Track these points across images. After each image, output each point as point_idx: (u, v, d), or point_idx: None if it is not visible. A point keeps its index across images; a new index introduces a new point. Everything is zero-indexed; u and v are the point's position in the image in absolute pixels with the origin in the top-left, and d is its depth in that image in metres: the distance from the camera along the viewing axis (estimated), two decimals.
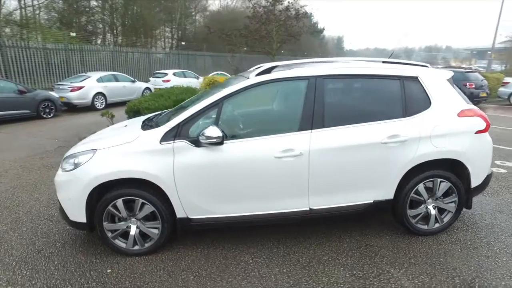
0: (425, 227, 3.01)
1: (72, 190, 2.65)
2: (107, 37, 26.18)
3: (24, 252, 2.89)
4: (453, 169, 2.94)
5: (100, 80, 12.14)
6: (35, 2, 20.58)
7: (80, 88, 11.40)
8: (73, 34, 16.93)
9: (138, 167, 2.58)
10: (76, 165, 2.67)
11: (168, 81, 16.02)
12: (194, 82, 15.71)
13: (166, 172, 2.59)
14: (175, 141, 2.61)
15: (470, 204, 3.03)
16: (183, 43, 26.37)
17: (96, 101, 11.81)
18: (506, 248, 2.86)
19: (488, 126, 2.93)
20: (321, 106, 2.72)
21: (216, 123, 2.62)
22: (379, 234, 3.10)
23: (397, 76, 2.87)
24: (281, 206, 2.78)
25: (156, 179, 2.59)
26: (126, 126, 3.24)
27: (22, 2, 19.85)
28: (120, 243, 2.79)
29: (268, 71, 2.82)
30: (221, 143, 2.51)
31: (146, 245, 2.80)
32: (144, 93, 14.02)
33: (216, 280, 2.49)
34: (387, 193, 2.86)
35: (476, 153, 2.91)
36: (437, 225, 3.01)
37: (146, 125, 2.97)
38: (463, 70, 13.46)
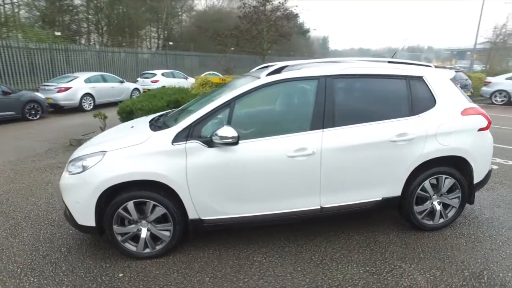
0: (431, 222, 3.09)
1: (81, 193, 2.58)
2: (92, 37, 25.59)
3: (29, 259, 2.80)
4: (456, 165, 3.03)
5: (88, 80, 11.85)
6: (15, 0, 19.89)
7: (68, 89, 11.08)
8: (58, 34, 16.45)
9: (151, 168, 2.54)
10: (85, 168, 2.60)
11: (156, 81, 15.79)
12: (183, 82, 15.51)
13: (179, 173, 2.57)
14: (187, 141, 2.58)
15: (473, 199, 3.14)
16: (170, 43, 26.05)
17: (84, 102, 11.52)
18: (508, 241, 2.98)
19: (489, 123, 3.04)
20: (331, 106, 2.76)
21: (228, 123, 2.61)
22: (386, 231, 3.17)
23: (403, 76, 2.94)
24: (293, 205, 2.79)
25: (169, 180, 2.56)
26: (132, 127, 3.18)
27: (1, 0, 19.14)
28: (131, 246, 2.74)
29: (278, 71, 2.83)
30: (236, 143, 2.50)
31: (157, 247, 2.76)
32: (133, 94, 13.78)
33: (232, 280, 2.48)
34: (395, 190, 2.92)
35: (479, 150, 3.02)
36: (441, 220, 3.10)
37: (155, 126, 2.92)
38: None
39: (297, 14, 13.69)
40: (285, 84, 2.84)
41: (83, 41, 24.14)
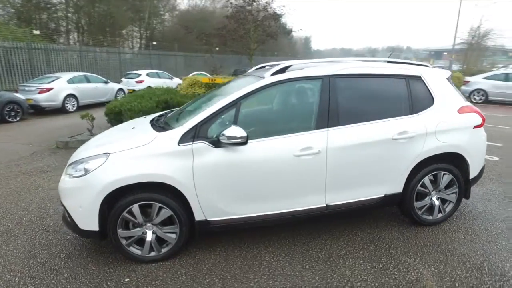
0: (430, 217, 3.18)
1: (84, 197, 2.49)
2: (72, 36, 24.76)
3: (26, 267, 2.68)
4: (453, 162, 3.13)
5: (70, 81, 11.46)
6: None
7: (49, 89, 10.68)
8: (37, 32, 15.80)
9: (157, 170, 2.49)
10: (87, 171, 2.52)
11: (141, 81, 15.49)
12: (168, 82, 15.29)
13: (186, 174, 2.53)
14: (194, 142, 2.55)
15: (469, 194, 3.26)
16: (154, 43, 25.61)
17: (67, 103, 11.13)
18: (502, 233, 3.11)
19: (483, 121, 3.17)
20: (335, 105, 2.79)
21: (234, 122, 2.59)
22: (387, 227, 3.24)
23: (402, 75, 3.02)
24: (299, 204, 2.81)
25: (176, 182, 2.51)
26: (133, 128, 3.10)
27: None
28: (135, 250, 2.67)
29: (282, 70, 2.83)
30: (245, 143, 2.49)
31: (163, 250, 2.70)
32: (117, 95, 13.46)
33: (242, 281, 2.46)
34: (397, 187, 2.99)
35: (474, 146, 3.13)
36: (440, 215, 3.20)
37: (158, 127, 2.87)
38: None
39: (280, 14, 13.78)
40: (290, 84, 2.85)
41: (62, 40, 23.32)
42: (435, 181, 3.12)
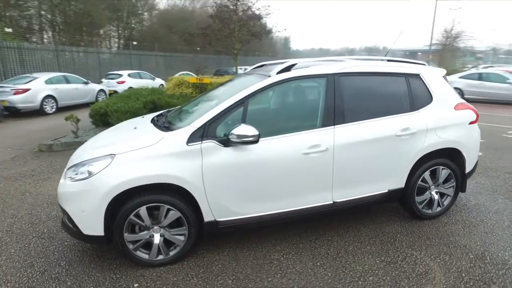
0: (430, 211, 3.28)
1: (88, 201, 2.38)
2: (47, 35, 23.70)
3: (24, 276, 2.53)
4: (451, 157, 3.25)
5: (49, 81, 10.96)
6: None
7: (26, 90, 10.17)
8: (9, 30, 15.01)
9: (165, 170, 2.42)
10: (91, 173, 2.41)
11: (123, 82, 15.08)
12: (150, 83, 14.95)
13: (195, 174, 2.47)
14: (202, 141, 2.49)
15: (465, 188, 3.39)
16: (134, 43, 24.99)
17: (45, 105, 10.64)
18: (497, 223, 3.25)
19: (477, 117, 3.31)
20: (341, 102, 2.82)
21: (243, 121, 2.56)
22: (389, 221, 3.31)
23: (402, 74, 3.10)
24: (307, 201, 2.81)
25: (185, 182, 2.45)
26: (135, 128, 3.00)
27: None
28: (142, 254, 2.58)
29: (288, 69, 2.83)
30: (257, 141, 2.46)
31: (171, 253, 2.63)
32: (98, 96, 13.03)
33: (256, 281, 2.44)
34: (400, 182, 3.07)
35: (470, 141, 3.26)
36: (439, 208, 3.31)
37: (162, 127, 2.79)
38: None
39: (264, 15, 13.84)
40: (296, 82, 2.85)
41: (35, 39, 22.27)
42: (434, 176, 3.22)
